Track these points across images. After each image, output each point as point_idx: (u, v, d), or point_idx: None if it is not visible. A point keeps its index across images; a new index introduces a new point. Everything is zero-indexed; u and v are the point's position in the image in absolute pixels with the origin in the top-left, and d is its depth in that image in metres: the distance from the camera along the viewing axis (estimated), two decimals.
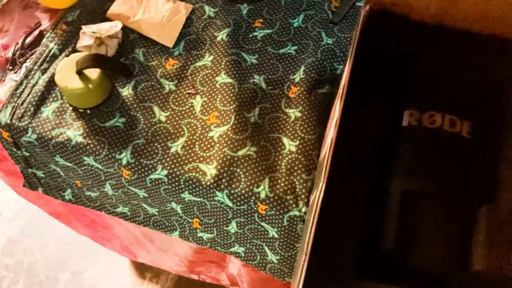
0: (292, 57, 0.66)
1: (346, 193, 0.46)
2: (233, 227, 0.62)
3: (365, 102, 0.51)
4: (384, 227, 0.46)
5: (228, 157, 0.58)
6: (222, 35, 0.67)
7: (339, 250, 0.44)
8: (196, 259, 0.94)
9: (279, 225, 0.58)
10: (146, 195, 0.63)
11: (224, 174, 0.57)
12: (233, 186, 0.57)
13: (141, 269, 1.36)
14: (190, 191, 0.58)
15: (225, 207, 0.59)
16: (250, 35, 0.68)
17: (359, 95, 0.51)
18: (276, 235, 0.59)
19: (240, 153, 0.58)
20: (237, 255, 0.68)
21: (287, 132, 0.60)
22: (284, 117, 0.61)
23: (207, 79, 0.64)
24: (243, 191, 0.56)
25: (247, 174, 0.57)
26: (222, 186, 0.57)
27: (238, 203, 0.57)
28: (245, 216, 0.59)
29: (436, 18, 0.52)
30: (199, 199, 0.60)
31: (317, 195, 0.42)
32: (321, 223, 0.42)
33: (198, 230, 0.66)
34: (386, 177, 0.48)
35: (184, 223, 0.66)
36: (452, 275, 0.44)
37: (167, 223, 0.69)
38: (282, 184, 0.57)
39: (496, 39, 0.51)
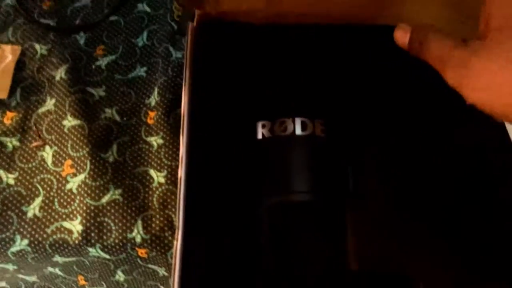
0: (143, 79, 0.62)
1: (210, 224, 0.43)
2: (120, 276, 0.58)
3: (216, 124, 0.48)
4: (259, 246, 0.44)
5: (92, 207, 0.53)
6: (60, 74, 0.60)
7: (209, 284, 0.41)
8: None
9: (165, 263, 0.54)
10: (15, 267, 0.56)
11: (92, 228, 0.52)
12: (104, 238, 0.52)
13: None
14: (60, 254, 0.53)
15: (104, 260, 0.54)
16: (93, 66, 0.62)
17: (207, 118, 0.48)
18: (166, 273, 0.56)
19: (104, 200, 0.53)
20: None
21: (152, 163, 0.56)
22: (147, 147, 0.57)
23: (53, 126, 0.58)
24: (116, 241, 0.52)
25: (116, 221, 0.53)
26: (92, 241, 0.52)
27: (116, 254, 0.53)
28: (128, 263, 0.55)
29: (269, 20, 0.50)
30: (74, 258, 0.54)
31: (176, 244, 0.39)
32: (186, 264, 0.39)
33: (86, 287, 0.61)
34: (252, 196, 0.45)
35: (70, 282, 0.61)
36: (332, 277, 0.43)
37: (53, 287, 0.62)
38: (158, 222, 0.53)
39: (333, 29, 0.50)
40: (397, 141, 0.47)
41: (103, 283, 0.60)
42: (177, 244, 0.38)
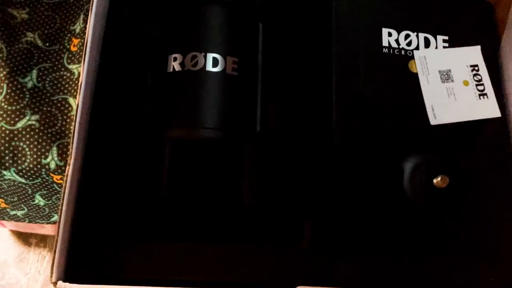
0: (69, 4, 0.60)
1: (110, 152, 0.44)
2: (40, 200, 0.59)
3: (126, 54, 0.48)
4: (159, 177, 0.45)
5: (7, 131, 0.53)
6: None
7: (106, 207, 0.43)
8: None
9: None
10: None
11: (7, 151, 0.52)
12: (19, 162, 0.52)
13: (25, 236, 1.28)
14: None
15: (20, 184, 0.55)
16: None
17: (117, 47, 0.48)
18: None
19: (20, 125, 0.53)
20: None
21: (72, 91, 0.56)
22: (68, 74, 0.57)
23: None
24: (31, 165, 0.53)
25: (31, 146, 0.53)
26: (7, 165, 0.52)
27: (31, 178, 0.54)
28: (45, 188, 0.56)
29: None
30: None
31: (67, 170, 0.39)
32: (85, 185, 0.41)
33: (8, 209, 0.62)
34: (159, 127, 0.46)
35: None
36: (227, 210, 0.44)
37: None
38: None
39: None
40: (305, 83, 0.48)
41: (24, 207, 0.61)
42: (69, 169, 0.39)
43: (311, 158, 0.46)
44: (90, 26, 0.43)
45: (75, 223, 0.39)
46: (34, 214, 0.63)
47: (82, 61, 0.41)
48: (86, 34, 0.42)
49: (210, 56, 0.46)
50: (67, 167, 0.39)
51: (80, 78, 0.41)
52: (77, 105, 0.40)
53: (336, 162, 0.46)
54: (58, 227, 0.38)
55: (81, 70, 0.41)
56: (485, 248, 0.45)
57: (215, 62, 0.46)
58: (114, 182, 0.43)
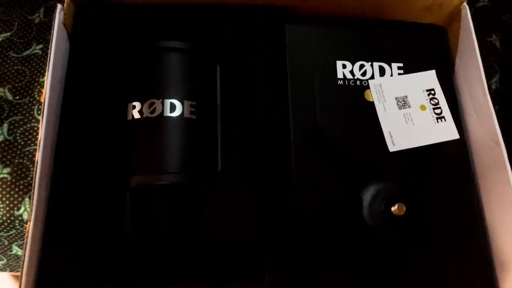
0: (38, 57, 0.62)
1: (73, 203, 0.45)
2: (18, 250, 0.60)
3: (87, 104, 0.49)
4: (123, 222, 0.46)
5: None
6: None
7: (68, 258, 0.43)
8: None
9: None
10: None
11: None
12: None
13: None
14: None
15: None
16: None
17: (78, 99, 0.49)
18: None
19: None
20: None
21: None
22: (39, 125, 0.58)
23: None
24: (4, 218, 0.54)
25: (4, 199, 0.54)
26: None
27: (5, 230, 0.55)
28: (21, 239, 0.57)
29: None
30: None
31: (28, 226, 0.41)
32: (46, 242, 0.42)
33: None
34: (121, 175, 0.47)
35: None
36: (188, 244, 0.45)
37: None
38: None
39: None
40: (263, 120, 0.49)
41: (3, 257, 0.62)
42: (30, 224, 0.40)
43: (272, 194, 0.47)
44: (48, 78, 0.44)
45: (39, 275, 0.40)
46: (14, 264, 0.64)
47: (41, 114, 0.43)
48: (45, 86, 0.44)
49: (168, 102, 0.47)
50: (28, 223, 0.40)
51: (39, 134, 0.42)
52: (36, 161, 0.42)
53: (296, 195, 0.47)
54: (20, 282, 0.39)
55: (40, 126, 0.43)
56: (445, 273, 0.45)
57: (172, 107, 0.47)
58: (78, 231, 0.44)
